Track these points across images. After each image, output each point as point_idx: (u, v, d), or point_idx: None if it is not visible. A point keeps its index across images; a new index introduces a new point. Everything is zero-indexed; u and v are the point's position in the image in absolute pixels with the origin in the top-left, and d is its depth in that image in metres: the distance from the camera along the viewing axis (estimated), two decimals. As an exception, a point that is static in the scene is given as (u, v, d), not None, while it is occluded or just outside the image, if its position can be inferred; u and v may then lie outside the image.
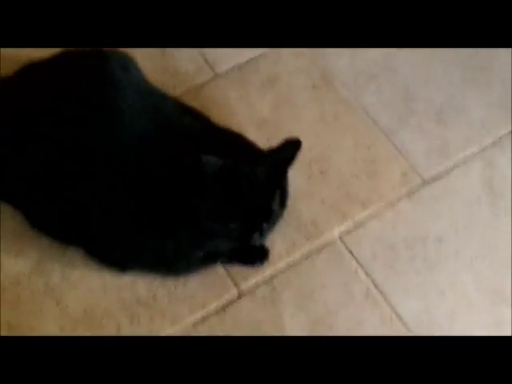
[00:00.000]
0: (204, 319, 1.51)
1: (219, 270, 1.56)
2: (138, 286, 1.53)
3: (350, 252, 1.59)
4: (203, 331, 1.49)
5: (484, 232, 1.62)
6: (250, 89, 1.75)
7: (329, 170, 1.68)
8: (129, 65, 1.53)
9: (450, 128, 1.74)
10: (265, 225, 1.37)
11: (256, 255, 1.56)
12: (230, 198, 1.33)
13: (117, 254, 1.47)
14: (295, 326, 1.51)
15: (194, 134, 1.45)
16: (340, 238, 1.61)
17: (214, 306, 1.53)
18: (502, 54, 1.85)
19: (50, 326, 1.47)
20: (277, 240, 1.59)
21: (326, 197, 1.65)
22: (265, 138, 1.61)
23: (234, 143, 1.46)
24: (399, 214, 1.64)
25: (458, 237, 1.62)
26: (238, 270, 1.56)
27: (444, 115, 1.76)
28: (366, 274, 1.57)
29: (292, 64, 1.81)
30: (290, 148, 1.37)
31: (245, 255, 1.55)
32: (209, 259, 1.49)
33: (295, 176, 1.55)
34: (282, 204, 1.41)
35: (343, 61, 1.84)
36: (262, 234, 1.38)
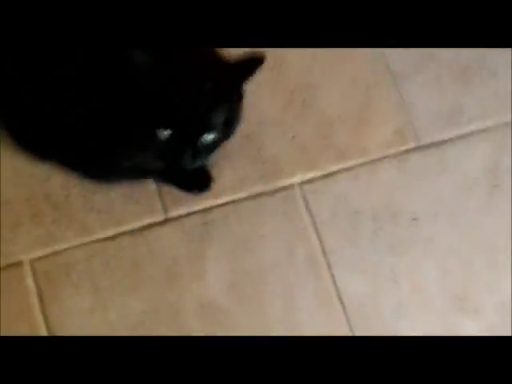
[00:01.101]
0: (115, 237, 1.20)
1: (150, 187, 1.25)
2: (51, 180, 1.24)
3: (307, 204, 1.26)
4: (108, 249, 1.19)
5: (470, 224, 1.27)
6: None
7: (313, 103, 1.31)
8: None
9: (470, 91, 1.34)
10: (199, 142, 1.06)
11: (196, 180, 1.23)
12: (159, 99, 1.04)
13: (41, 140, 1.20)
14: (216, 271, 1.23)
15: None
16: (300, 185, 1.27)
17: (131, 225, 1.22)
18: None
19: None
20: (226, 169, 1.28)
21: (299, 134, 1.29)
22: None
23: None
24: (377, 177, 1.30)
25: (438, 221, 1.27)
26: (171, 192, 1.24)
27: (469, 73, 1.35)
28: (317, 235, 1.24)
29: None
30: (251, 63, 1.07)
31: (183, 178, 1.23)
32: (136, 172, 1.17)
33: (269, 101, 1.34)
34: (229, 124, 1.11)
35: None
36: (196, 154, 1.08)
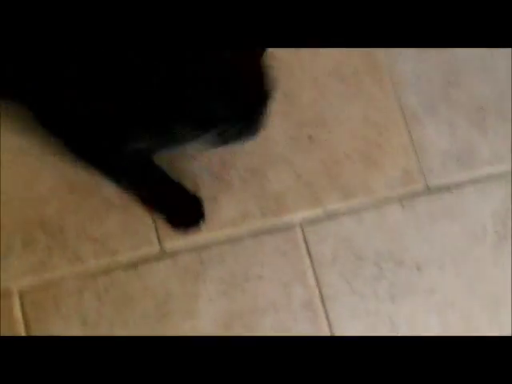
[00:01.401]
0: (108, 270, 1.15)
1: (147, 219, 1.17)
2: (47, 206, 1.18)
3: (307, 246, 1.19)
4: (100, 282, 1.14)
5: (474, 275, 1.20)
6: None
7: (320, 139, 1.25)
8: None
9: (483, 134, 1.26)
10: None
11: (185, 215, 1.22)
12: None
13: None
14: (209, 313, 1.16)
15: None
16: (302, 225, 1.20)
17: (125, 258, 1.16)
18: None
19: None
20: (226, 203, 1.21)
21: (305, 171, 1.23)
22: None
23: None
24: (382, 220, 1.23)
25: (442, 272, 1.21)
26: (167, 226, 1.17)
27: (482, 115, 1.27)
28: (316, 278, 1.17)
29: None
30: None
31: (174, 208, 1.22)
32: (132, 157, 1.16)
33: (276, 135, 1.29)
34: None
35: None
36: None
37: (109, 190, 1.23)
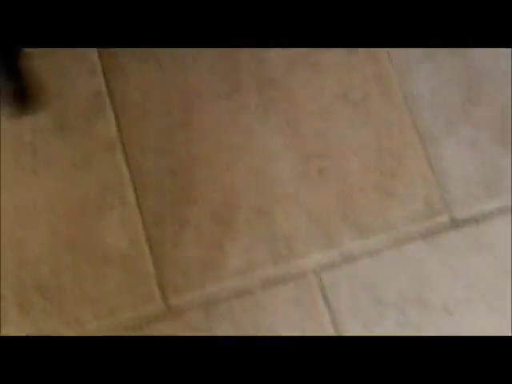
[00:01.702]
0: (110, 332, 1.05)
1: (148, 275, 1.07)
2: (42, 264, 1.07)
3: (323, 294, 1.07)
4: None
5: (508, 315, 1.06)
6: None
7: (331, 171, 1.13)
8: None
9: (511, 155, 1.13)
10: None
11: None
12: None
13: None
14: (221, 373, 1.02)
15: None
16: (316, 269, 1.10)
17: (127, 317, 1.05)
18: None
19: None
20: (232, 250, 1.11)
21: (316, 208, 1.11)
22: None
23: None
24: (404, 258, 1.11)
25: (472, 312, 1.08)
26: (171, 278, 1.07)
27: (508, 133, 1.14)
28: (335, 329, 1.06)
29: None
30: None
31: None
32: None
33: (282, 170, 1.19)
34: None
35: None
36: None
37: (106, 244, 1.12)
